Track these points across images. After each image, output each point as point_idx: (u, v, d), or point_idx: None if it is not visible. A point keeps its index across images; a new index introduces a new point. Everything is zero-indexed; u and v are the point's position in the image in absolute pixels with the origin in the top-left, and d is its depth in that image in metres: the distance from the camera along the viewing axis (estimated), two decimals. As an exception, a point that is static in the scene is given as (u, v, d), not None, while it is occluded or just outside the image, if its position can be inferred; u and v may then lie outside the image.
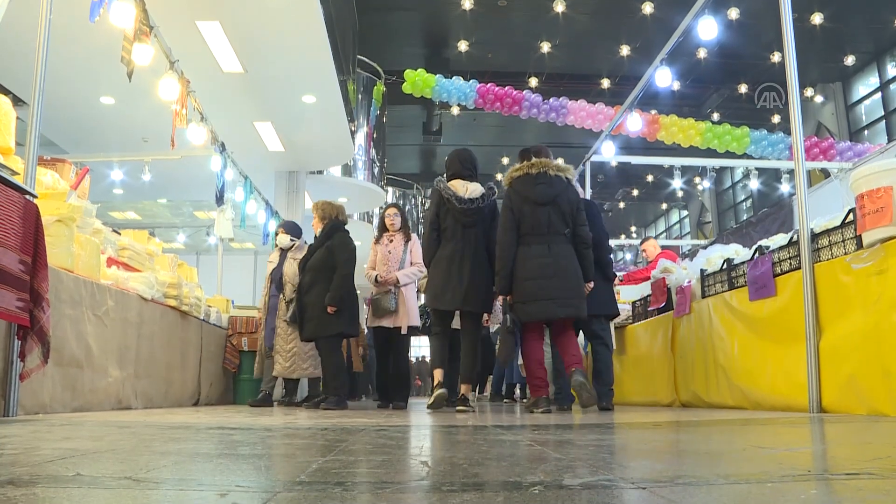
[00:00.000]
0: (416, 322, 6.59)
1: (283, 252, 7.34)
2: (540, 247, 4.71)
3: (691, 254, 12.42)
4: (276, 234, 7.60)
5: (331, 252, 6.21)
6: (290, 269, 7.01)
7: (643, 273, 8.37)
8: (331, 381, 6.14)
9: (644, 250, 9.11)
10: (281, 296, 7.04)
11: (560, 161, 5.01)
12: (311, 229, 6.86)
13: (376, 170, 15.08)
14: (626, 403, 7.07)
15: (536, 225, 4.73)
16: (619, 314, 6.02)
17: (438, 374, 5.29)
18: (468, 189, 5.35)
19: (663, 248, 9.19)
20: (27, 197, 3.44)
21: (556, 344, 5.03)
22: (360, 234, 17.20)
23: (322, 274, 6.17)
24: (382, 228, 6.85)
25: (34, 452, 1.74)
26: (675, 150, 13.95)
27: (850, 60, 17.06)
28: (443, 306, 5.26)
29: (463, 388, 5.27)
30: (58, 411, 4.10)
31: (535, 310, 4.68)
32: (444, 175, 5.58)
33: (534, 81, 17.67)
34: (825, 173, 11.39)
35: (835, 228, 3.91)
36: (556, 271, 4.68)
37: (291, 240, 7.39)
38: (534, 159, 4.92)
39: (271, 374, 7.07)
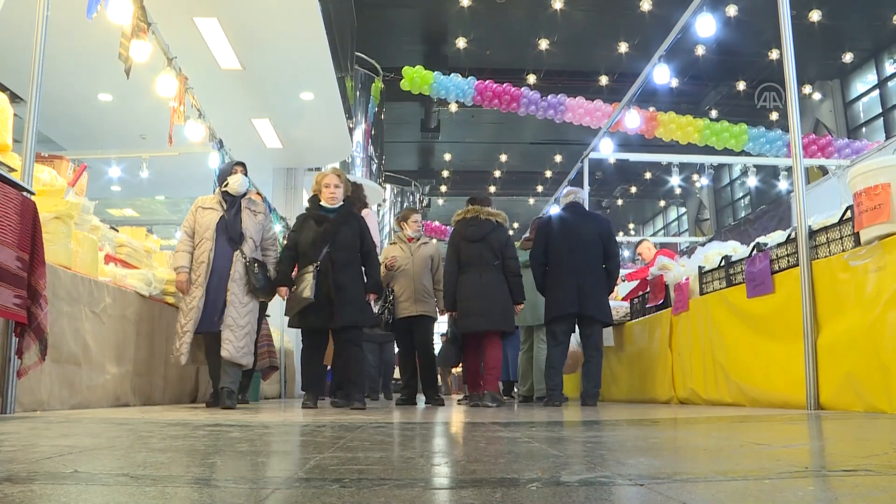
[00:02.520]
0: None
1: (234, 200, 5.41)
2: (472, 275, 5.94)
3: (689, 251, 12.44)
4: (229, 175, 5.46)
5: (360, 233, 5.66)
6: (252, 223, 5.40)
7: (643, 272, 8.35)
8: (357, 378, 5.58)
9: (640, 254, 9.10)
10: (238, 253, 5.24)
11: (490, 208, 6.22)
12: (309, 192, 6.02)
13: (374, 167, 15.07)
14: (624, 400, 7.08)
15: (470, 258, 5.98)
16: (612, 324, 6.47)
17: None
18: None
19: (662, 245, 9.19)
20: (24, 194, 3.43)
21: (484, 353, 6.06)
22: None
23: (354, 255, 5.57)
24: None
25: (32, 449, 1.73)
26: (674, 148, 13.96)
27: (848, 58, 17.07)
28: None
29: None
30: (55, 408, 4.09)
31: (467, 323, 5.96)
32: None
33: (532, 78, 17.66)
34: (823, 170, 11.40)
35: (833, 225, 3.91)
36: (484, 294, 5.88)
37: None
38: (468, 206, 6.25)
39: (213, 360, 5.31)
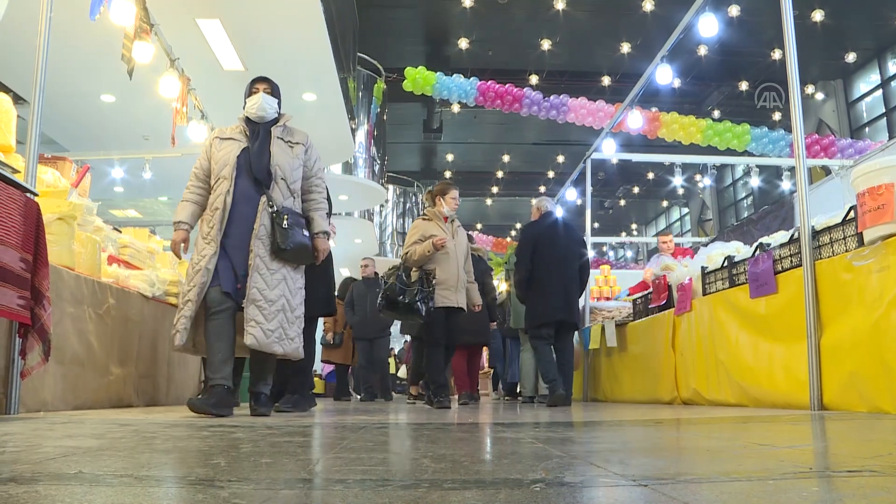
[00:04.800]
0: None
1: (260, 128, 4.18)
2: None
3: (692, 251, 12.42)
4: (252, 95, 4.24)
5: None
6: (286, 158, 4.12)
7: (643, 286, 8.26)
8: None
9: (664, 243, 8.85)
10: (264, 200, 3.96)
11: (473, 244, 6.72)
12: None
13: (377, 167, 15.09)
14: (627, 401, 7.07)
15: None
16: (574, 324, 6.58)
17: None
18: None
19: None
20: (28, 195, 3.44)
21: (471, 361, 6.95)
22: (362, 232, 17.26)
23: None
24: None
25: (36, 450, 1.74)
26: (676, 148, 13.94)
27: (851, 57, 17.05)
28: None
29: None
30: (59, 409, 4.10)
31: (460, 338, 6.44)
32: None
33: (534, 79, 17.67)
34: (826, 171, 11.37)
35: (836, 226, 3.91)
36: (472, 315, 6.48)
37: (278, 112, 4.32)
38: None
39: (224, 350, 3.88)
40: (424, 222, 6.10)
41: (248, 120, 4.19)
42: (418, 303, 5.70)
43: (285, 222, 3.94)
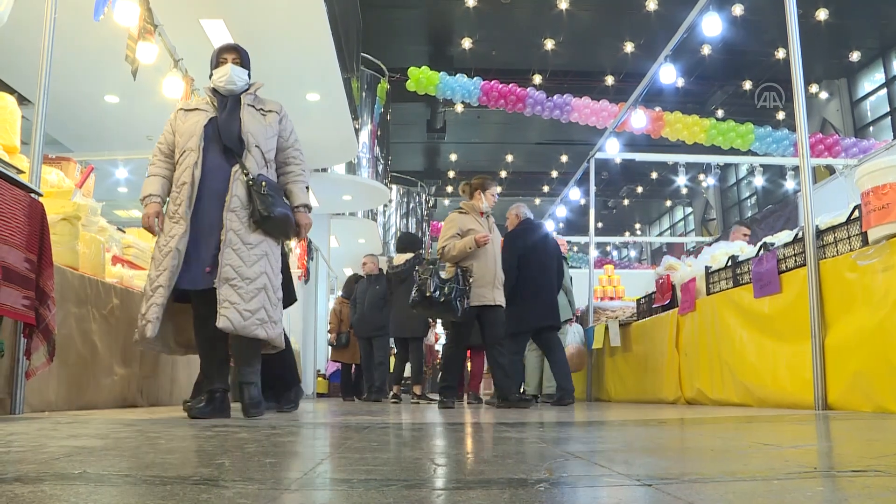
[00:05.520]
0: None
1: (228, 100, 3.85)
2: None
3: (696, 251, 12.41)
4: (220, 66, 3.90)
5: None
6: (258, 126, 3.78)
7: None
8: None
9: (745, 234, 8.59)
10: (237, 169, 3.62)
11: None
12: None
13: (380, 167, 15.08)
14: (631, 401, 7.06)
15: None
16: (559, 327, 6.85)
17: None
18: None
19: (668, 246, 9.08)
20: (32, 195, 3.44)
21: (474, 362, 7.50)
22: (365, 232, 17.27)
23: None
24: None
25: (41, 450, 1.74)
26: (680, 147, 13.94)
27: (855, 56, 17.02)
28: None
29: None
30: (63, 409, 4.11)
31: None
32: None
33: (538, 79, 17.66)
34: (830, 170, 11.35)
35: (840, 225, 3.90)
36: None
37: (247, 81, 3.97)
38: None
39: (221, 353, 3.75)
40: (461, 216, 5.84)
41: (215, 91, 3.88)
42: (455, 300, 5.44)
43: (264, 189, 3.56)
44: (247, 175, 3.61)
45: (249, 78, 3.98)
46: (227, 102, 3.81)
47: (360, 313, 9.21)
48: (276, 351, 3.90)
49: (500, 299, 5.73)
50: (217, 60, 3.92)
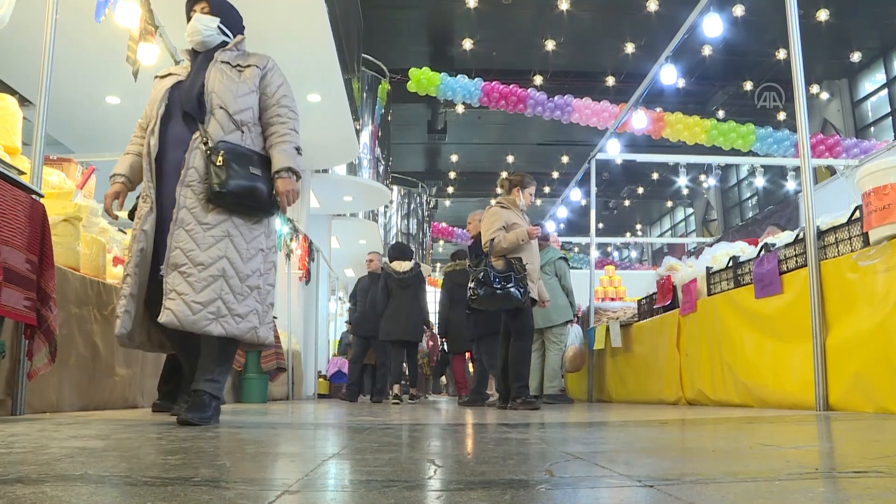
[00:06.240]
0: None
1: (200, 56, 3.41)
2: (460, 309, 7.56)
3: (697, 251, 12.40)
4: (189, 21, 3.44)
5: None
6: (226, 85, 3.24)
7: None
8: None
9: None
10: (197, 136, 3.16)
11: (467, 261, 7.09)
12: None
13: (381, 168, 15.09)
14: (632, 401, 7.06)
15: (461, 299, 7.10)
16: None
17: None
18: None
19: (668, 246, 9.08)
20: (33, 196, 3.45)
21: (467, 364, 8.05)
22: (366, 233, 17.28)
23: None
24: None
25: (42, 451, 1.74)
26: (681, 148, 13.94)
27: (856, 57, 17.01)
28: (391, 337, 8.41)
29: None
30: (65, 410, 4.11)
31: (462, 346, 8.41)
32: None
33: (538, 79, 17.66)
34: (831, 170, 11.35)
35: (841, 226, 3.90)
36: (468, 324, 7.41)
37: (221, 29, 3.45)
38: (455, 262, 8.54)
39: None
40: (504, 210, 5.81)
41: (193, 52, 3.44)
42: (515, 289, 5.40)
43: (221, 158, 3.05)
44: (206, 143, 3.11)
45: (229, 29, 3.47)
46: (198, 61, 3.37)
47: (360, 312, 9.13)
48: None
49: (534, 294, 5.73)
50: (187, 15, 3.44)
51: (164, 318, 2.94)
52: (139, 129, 3.39)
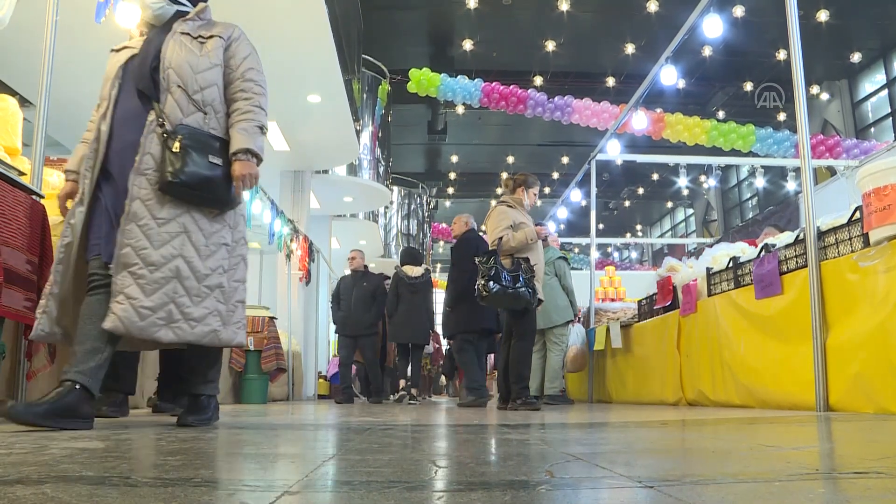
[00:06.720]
0: None
1: (156, 28, 3.09)
2: None
3: (697, 252, 12.40)
4: None
5: None
6: (185, 57, 2.91)
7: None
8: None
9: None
10: (151, 116, 2.83)
11: None
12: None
13: (381, 169, 15.09)
14: (632, 402, 7.06)
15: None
16: (498, 331, 7.04)
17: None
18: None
19: (668, 247, 9.09)
20: (34, 197, 3.45)
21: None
22: (367, 233, 17.28)
23: None
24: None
25: (42, 452, 1.74)
26: (681, 149, 13.94)
27: (856, 57, 17.01)
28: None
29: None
30: (65, 411, 4.09)
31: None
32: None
33: (539, 80, 17.67)
34: (831, 171, 11.35)
35: (841, 226, 3.90)
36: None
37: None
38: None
39: (95, 337, 2.72)
40: (511, 209, 5.78)
41: (151, 25, 3.10)
42: (525, 289, 5.37)
43: (178, 144, 2.74)
44: (164, 124, 2.79)
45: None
46: (153, 31, 3.04)
47: (346, 312, 9.01)
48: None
49: (541, 294, 5.73)
50: None
51: (108, 323, 2.64)
52: (96, 114, 3.00)
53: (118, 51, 3.06)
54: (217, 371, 3.16)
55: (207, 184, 2.81)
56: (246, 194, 3.05)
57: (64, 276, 2.80)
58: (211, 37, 3.02)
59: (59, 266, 2.80)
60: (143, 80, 2.88)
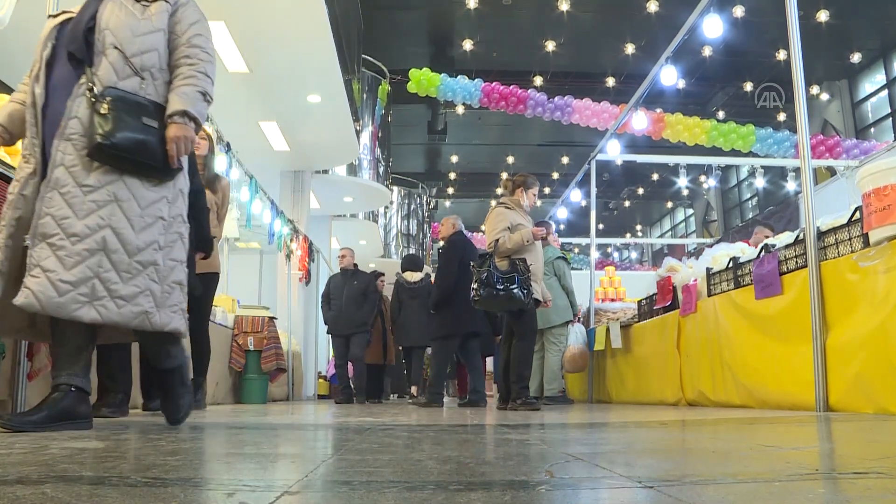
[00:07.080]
0: None
1: None
2: None
3: (697, 252, 12.40)
4: None
5: None
6: (123, 20, 2.73)
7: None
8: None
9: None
10: (82, 81, 2.64)
11: None
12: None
13: (381, 169, 15.10)
14: (632, 402, 7.06)
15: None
16: (480, 334, 7.18)
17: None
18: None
19: (668, 247, 9.10)
20: (34, 197, 3.44)
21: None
22: (367, 234, 17.28)
23: None
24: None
25: (42, 452, 1.74)
26: (681, 149, 13.94)
27: (856, 58, 17.02)
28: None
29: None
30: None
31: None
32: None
33: (539, 80, 17.67)
34: (831, 171, 11.36)
35: (841, 226, 3.90)
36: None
37: None
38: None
39: (77, 334, 2.60)
40: (509, 211, 5.75)
41: None
42: (518, 290, 5.35)
43: (105, 106, 2.55)
44: (93, 88, 2.59)
45: None
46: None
47: (336, 310, 8.90)
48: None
49: (538, 295, 5.70)
50: None
51: (20, 299, 2.40)
52: (27, 77, 2.81)
53: (55, 16, 2.89)
54: (180, 348, 2.94)
55: (142, 147, 2.60)
56: (184, 161, 2.81)
57: (14, 252, 2.56)
58: (155, 1, 2.83)
59: (10, 241, 2.56)
60: (75, 42, 2.70)
